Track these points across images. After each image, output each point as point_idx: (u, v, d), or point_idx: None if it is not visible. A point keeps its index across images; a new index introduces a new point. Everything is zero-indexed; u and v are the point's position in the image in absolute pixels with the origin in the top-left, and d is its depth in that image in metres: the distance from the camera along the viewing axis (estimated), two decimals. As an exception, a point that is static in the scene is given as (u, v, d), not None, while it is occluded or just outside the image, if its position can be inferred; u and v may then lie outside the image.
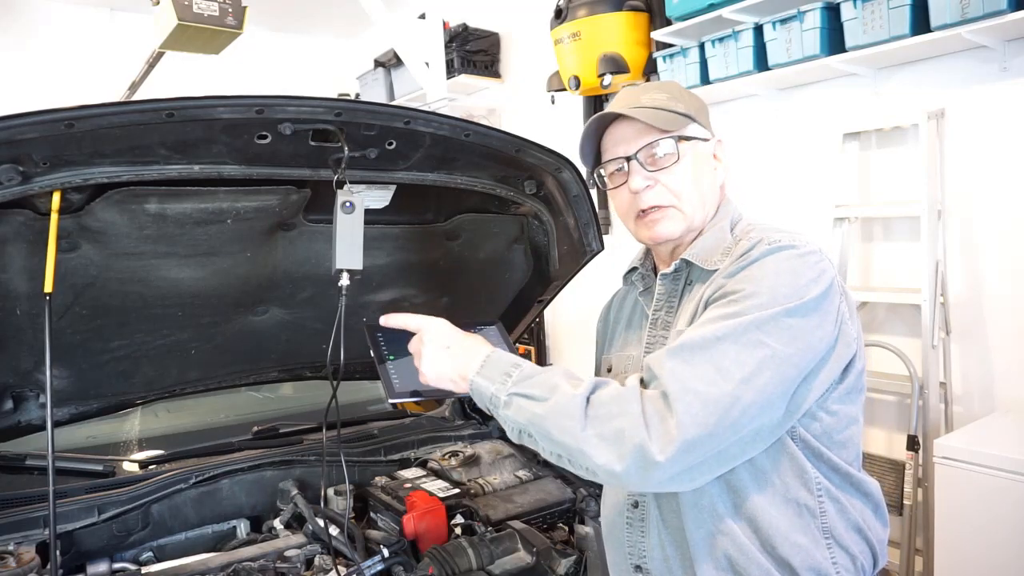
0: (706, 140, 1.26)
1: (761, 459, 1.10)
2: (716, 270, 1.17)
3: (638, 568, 1.22)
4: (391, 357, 1.28)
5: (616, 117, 1.23)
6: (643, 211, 1.23)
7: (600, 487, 1.55)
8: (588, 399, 1.04)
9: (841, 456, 1.15)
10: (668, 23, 3.40)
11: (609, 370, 1.37)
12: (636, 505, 1.22)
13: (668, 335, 1.23)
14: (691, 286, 1.23)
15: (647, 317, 1.30)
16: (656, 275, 1.32)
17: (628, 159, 1.21)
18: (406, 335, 1.25)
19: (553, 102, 4.10)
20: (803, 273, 1.08)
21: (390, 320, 1.26)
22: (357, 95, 5.31)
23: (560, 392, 1.05)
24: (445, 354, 1.16)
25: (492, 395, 1.10)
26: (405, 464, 2.07)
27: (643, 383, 1.06)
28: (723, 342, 1.02)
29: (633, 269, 1.38)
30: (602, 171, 1.28)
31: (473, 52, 4.57)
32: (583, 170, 1.43)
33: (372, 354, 1.28)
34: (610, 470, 1.00)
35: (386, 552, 1.57)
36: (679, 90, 1.27)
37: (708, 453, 1.01)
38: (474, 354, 1.15)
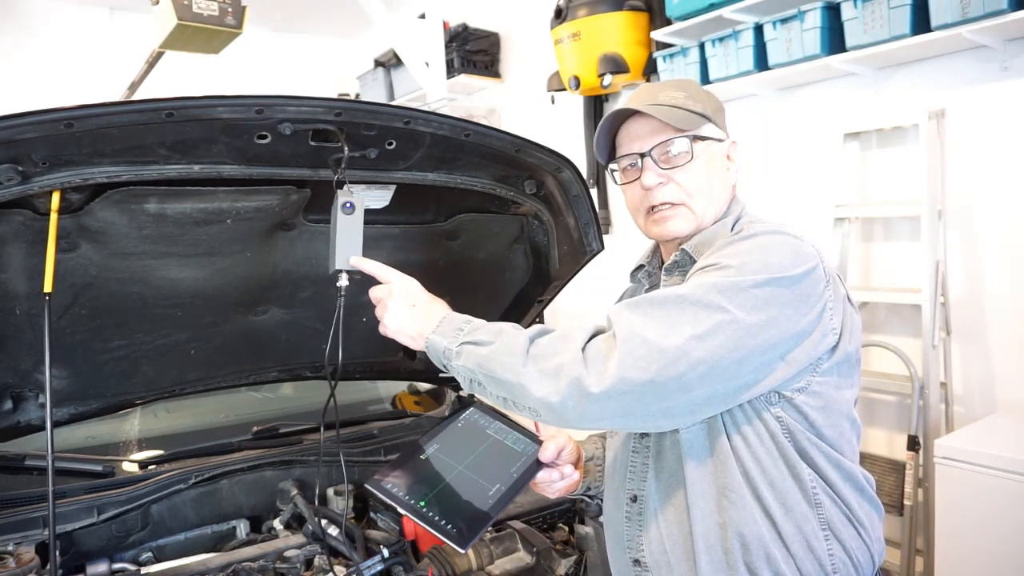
0: (721, 141, 1.27)
1: (756, 449, 1.12)
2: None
3: (636, 562, 1.22)
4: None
5: (633, 113, 1.24)
6: (653, 207, 1.24)
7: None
8: (533, 340, 1.09)
9: (836, 449, 1.15)
10: (668, 23, 3.40)
11: None
12: (634, 499, 1.23)
13: None
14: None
15: None
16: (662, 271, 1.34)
17: (642, 155, 1.23)
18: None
19: (553, 102, 4.10)
20: (783, 253, 1.09)
21: (363, 264, 1.31)
22: (357, 95, 5.31)
23: (505, 334, 1.11)
24: (409, 312, 1.22)
25: (445, 348, 1.15)
26: (405, 464, 2.07)
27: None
28: (684, 301, 1.05)
29: (640, 267, 1.39)
30: (615, 166, 1.30)
31: (473, 52, 4.56)
32: (584, 169, 1.44)
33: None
34: (547, 402, 1.04)
35: (386, 552, 1.57)
36: (697, 89, 1.28)
37: (650, 401, 1.02)
38: (434, 314, 1.21)
